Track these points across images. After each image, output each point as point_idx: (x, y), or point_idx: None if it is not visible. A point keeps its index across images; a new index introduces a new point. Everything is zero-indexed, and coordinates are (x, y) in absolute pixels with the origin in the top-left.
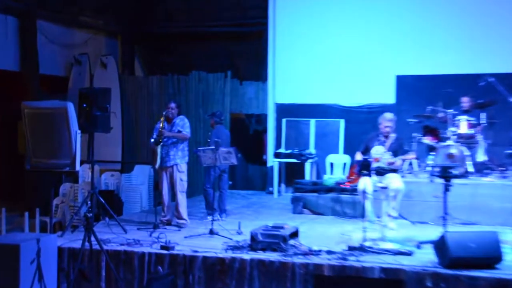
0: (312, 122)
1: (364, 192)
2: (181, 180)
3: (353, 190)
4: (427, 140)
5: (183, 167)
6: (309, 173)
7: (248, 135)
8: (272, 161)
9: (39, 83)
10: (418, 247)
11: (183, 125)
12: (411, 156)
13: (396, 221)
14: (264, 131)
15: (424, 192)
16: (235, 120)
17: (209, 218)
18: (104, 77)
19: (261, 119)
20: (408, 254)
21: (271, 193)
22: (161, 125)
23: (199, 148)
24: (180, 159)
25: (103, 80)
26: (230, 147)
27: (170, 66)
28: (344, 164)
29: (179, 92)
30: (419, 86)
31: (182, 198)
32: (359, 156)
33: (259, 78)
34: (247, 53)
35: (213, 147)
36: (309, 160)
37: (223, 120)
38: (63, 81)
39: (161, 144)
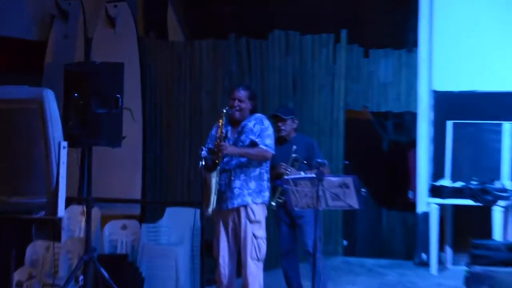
0: (507, 127)
1: None
2: (255, 237)
3: None
4: None
5: (260, 211)
6: (500, 228)
7: (379, 151)
8: (426, 204)
9: None
10: None
11: (262, 132)
12: None
13: None
14: (411, 144)
15: None
16: (353, 123)
17: None
18: (111, 43)
19: (405, 122)
20: None
21: (425, 264)
22: (219, 132)
23: (286, 177)
24: (254, 197)
25: (109, 48)
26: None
27: (233, 22)
28: None
29: (249, 71)
30: None
31: (256, 271)
32: None
33: (401, 45)
34: None
35: (310, 174)
36: (501, 202)
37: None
38: (37, 49)
39: (219, 167)
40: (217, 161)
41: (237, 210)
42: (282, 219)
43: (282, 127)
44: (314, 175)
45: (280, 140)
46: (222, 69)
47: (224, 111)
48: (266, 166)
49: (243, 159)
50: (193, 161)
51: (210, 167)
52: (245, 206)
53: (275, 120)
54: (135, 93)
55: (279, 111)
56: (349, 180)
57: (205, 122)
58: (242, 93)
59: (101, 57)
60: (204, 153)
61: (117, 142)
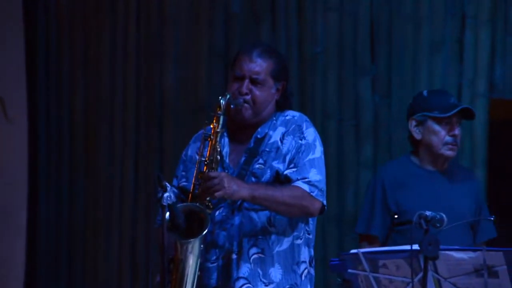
0: None
1: None
2: None
3: None
4: None
5: None
6: None
7: None
8: None
9: None
10: None
11: (301, 152)
12: None
13: None
14: None
15: None
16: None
17: None
18: None
19: None
20: None
21: None
22: (208, 149)
23: (354, 251)
24: None
25: None
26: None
27: None
28: None
29: (272, 14)
30: None
31: None
32: None
33: None
34: None
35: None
36: None
37: None
38: None
39: (208, 230)
40: (202, 215)
41: None
42: None
43: (458, 140)
44: (413, 247)
45: (432, 169)
46: (210, 12)
47: (222, 101)
48: (307, 231)
49: (256, 215)
50: (141, 213)
51: (182, 230)
52: None
53: (447, 121)
54: (13, 61)
55: (459, 103)
56: (497, 258)
57: (171, 130)
58: (259, 64)
59: None
60: (167, 197)
61: None
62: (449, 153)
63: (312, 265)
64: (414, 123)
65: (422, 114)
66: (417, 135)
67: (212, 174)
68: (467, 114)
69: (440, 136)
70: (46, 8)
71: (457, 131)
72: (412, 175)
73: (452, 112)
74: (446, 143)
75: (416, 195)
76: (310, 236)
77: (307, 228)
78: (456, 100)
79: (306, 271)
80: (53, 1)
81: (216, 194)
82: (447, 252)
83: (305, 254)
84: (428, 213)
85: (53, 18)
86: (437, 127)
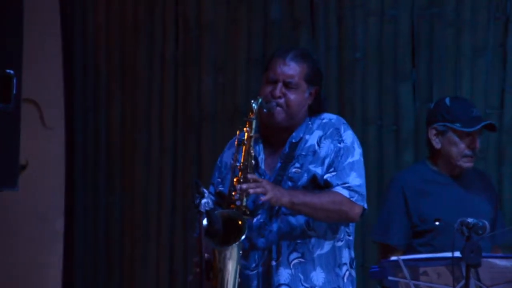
0: None
1: None
2: None
3: None
4: None
5: None
6: None
7: None
8: None
9: None
10: None
11: (340, 156)
12: None
13: None
14: None
15: None
16: None
17: None
18: None
19: None
20: None
21: None
22: (243, 154)
23: (394, 258)
24: None
25: None
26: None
27: None
28: None
29: (311, 20)
30: None
31: None
32: None
33: None
34: None
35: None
36: None
37: None
38: None
39: (246, 236)
40: (240, 222)
41: None
42: None
43: (477, 152)
44: (455, 254)
45: (450, 176)
46: (248, 18)
47: (254, 106)
48: (348, 233)
49: (294, 219)
50: (179, 221)
51: (220, 236)
52: None
53: (470, 135)
54: (51, 70)
55: (482, 116)
56: None
57: (208, 137)
58: (293, 68)
59: None
60: (205, 203)
61: (10, 178)
62: (467, 165)
63: (353, 266)
64: (434, 132)
65: (443, 124)
66: (437, 144)
67: (255, 177)
68: (489, 125)
69: (460, 148)
70: (84, 17)
71: (478, 144)
72: (432, 182)
73: (475, 128)
74: (465, 156)
75: (438, 202)
76: (350, 238)
77: (347, 230)
78: (479, 112)
79: (347, 273)
80: (91, 9)
81: (264, 198)
82: (489, 259)
83: (346, 256)
84: (470, 220)
85: (91, 27)
86: (457, 139)
